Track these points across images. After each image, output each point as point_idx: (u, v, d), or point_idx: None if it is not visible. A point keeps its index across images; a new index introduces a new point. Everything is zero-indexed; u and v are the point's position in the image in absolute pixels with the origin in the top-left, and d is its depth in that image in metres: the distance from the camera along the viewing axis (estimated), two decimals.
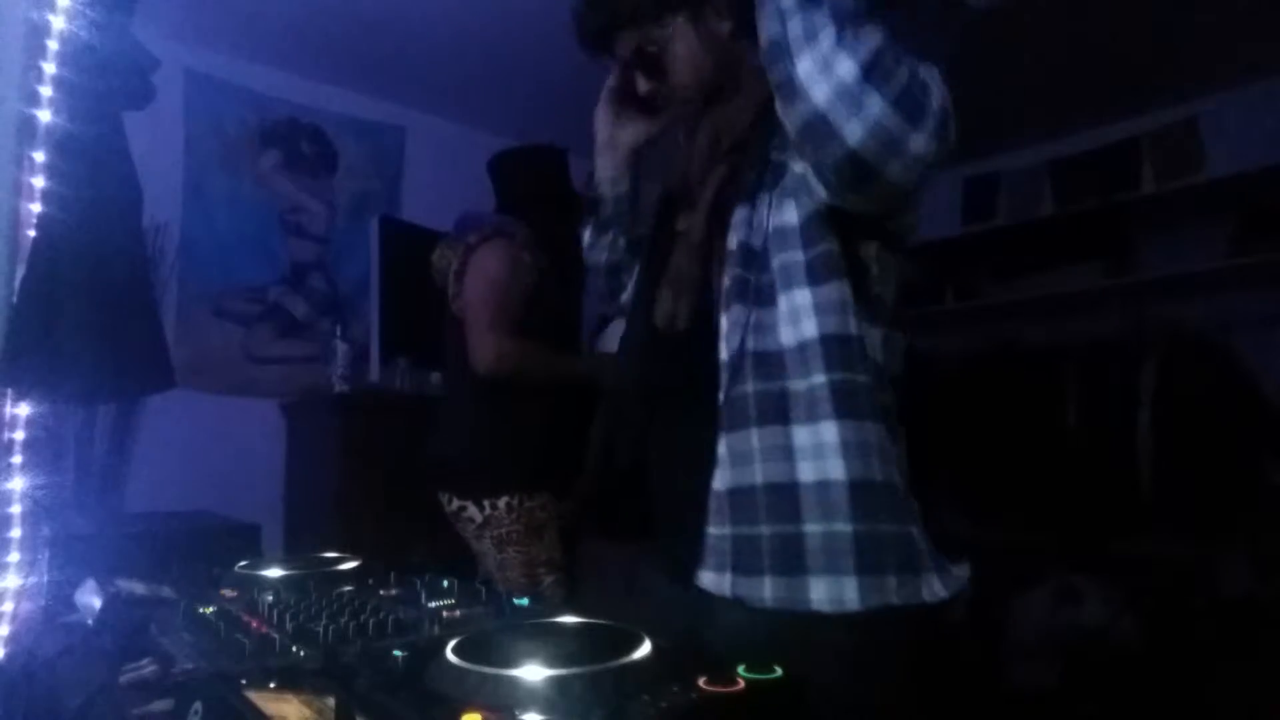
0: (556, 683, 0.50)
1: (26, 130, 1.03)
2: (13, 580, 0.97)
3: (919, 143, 0.75)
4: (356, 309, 3.13)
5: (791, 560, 0.81)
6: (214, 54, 2.90)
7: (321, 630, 0.65)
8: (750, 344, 0.86)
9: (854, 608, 0.78)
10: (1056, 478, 2.94)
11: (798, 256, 0.86)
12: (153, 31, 1.49)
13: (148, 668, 0.69)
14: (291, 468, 2.91)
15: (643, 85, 1.03)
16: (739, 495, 0.85)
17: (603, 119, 1.13)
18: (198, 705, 0.56)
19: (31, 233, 1.04)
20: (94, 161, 1.09)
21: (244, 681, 0.54)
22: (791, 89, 0.77)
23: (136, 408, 2.54)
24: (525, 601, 0.81)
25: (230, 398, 2.87)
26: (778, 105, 0.81)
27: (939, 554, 0.85)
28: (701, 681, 0.51)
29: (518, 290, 1.82)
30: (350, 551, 1.03)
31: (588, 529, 1.27)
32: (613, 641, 0.57)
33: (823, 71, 0.74)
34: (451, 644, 0.57)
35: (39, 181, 1.03)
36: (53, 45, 1.04)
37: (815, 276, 0.85)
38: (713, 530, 0.87)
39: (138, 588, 0.88)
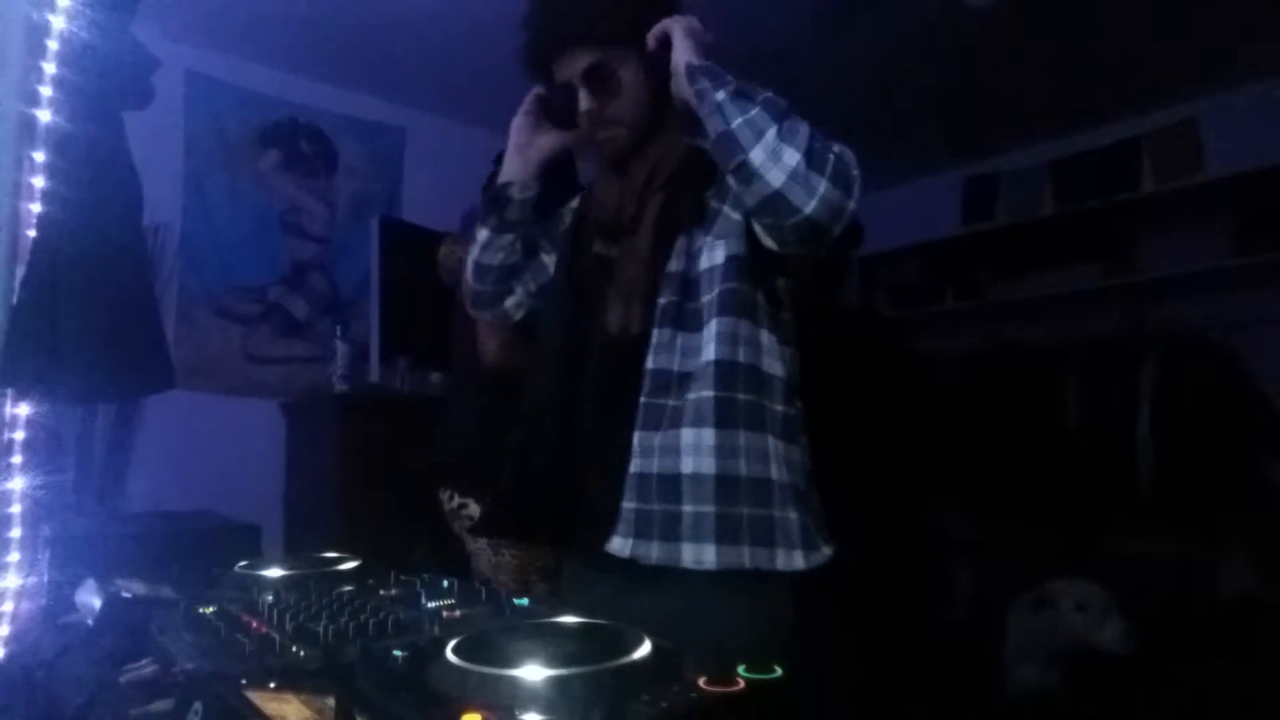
0: (556, 683, 0.50)
1: (26, 130, 1.03)
2: (13, 580, 0.97)
3: (850, 207, 0.97)
4: (356, 309, 3.13)
5: (671, 530, 1.01)
6: (214, 54, 2.90)
7: (321, 630, 0.65)
8: (676, 364, 1.04)
9: (710, 566, 0.99)
10: (1056, 478, 2.94)
11: (717, 290, 1.04)
12: (153, 31, 1.49)
13: (148, 668, 0.69)
14: (291, 468, 2.91)
15: (585, 103, 1.11)
16: (642, 480, 1.04)
17: (520, 126, 1.20)
18: (198, 705, 0.56)
19: (31, 233, 1.04)
20: (94, 161, 1.09)
21: (244, 681, 0.54)
22: (748, 173, 0.95)
23: (136, 408, 2.54)
24: (525, 601, 0.81)
25: (230, 398, 2.87)
26: (734, 183, 1.00)
27: (813, 534, 1.04)
28: (701, 681, 0.51)
29: None
30: (350, 551, 1.03)
31: (502, 531, 1.29)
32: (613, 641, 0.57)
33: (774, 161, 0.94)
34: (451, 644, 0.57)
35: (39, 181, 1.03)
36: (53, 45, 1.04)
37: (725, 308, 1.04)
38: (625, 505, 1.04)
39: (138, 588, 0.88)
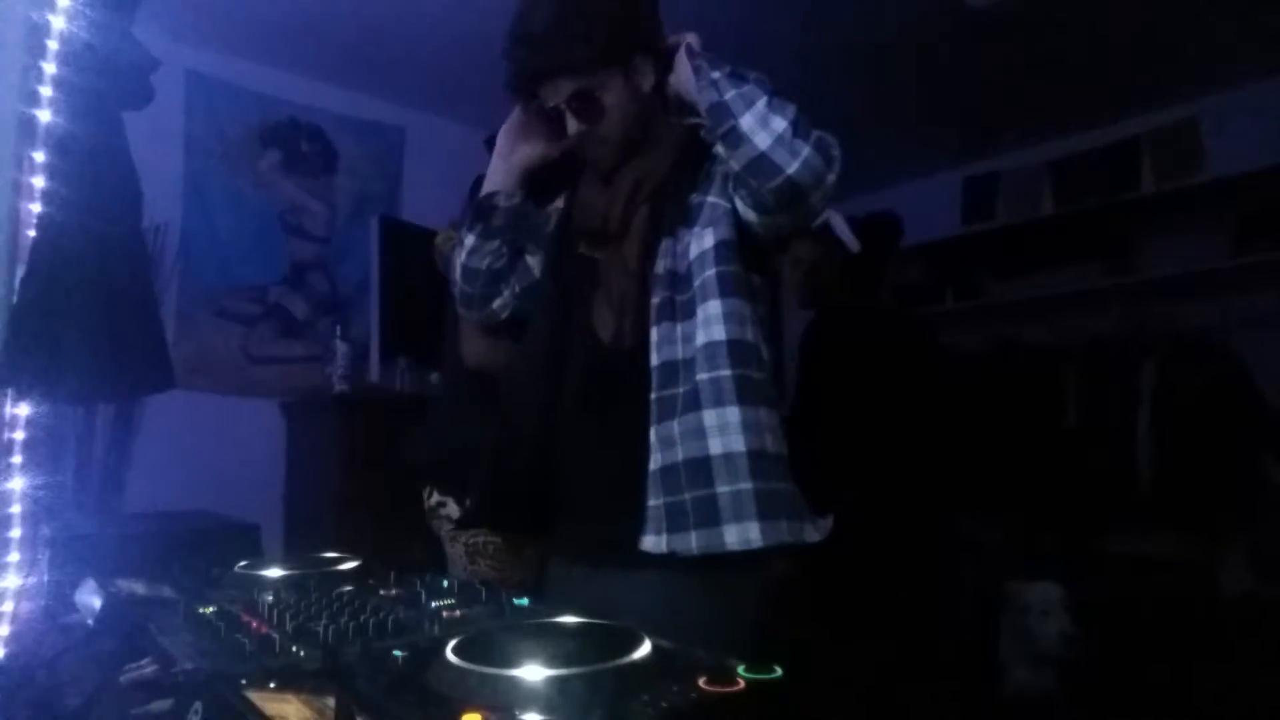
0: (556, 683, 0.50)
1: (26, 130, 1.03)
2: (13, 580, 0.97)
3: (830, 179, 1.03)
4: (356, 309, 3.13)
5: (709, 515, 1.01)
6: (214, 54, 2.90)
7: (321, 630, 0.65)
8: (679, 353, 1.06)
9: (758, 545, 1.00)
10: (1056, 478, 2.94)
11: (711, 272, 1.07)
12: (153, 31, 1.49)
13: (148, 668, 0.69)
14: (291, 468, 2.91)
15: (573, 126, 1.14)
16: (668, 473, 1.04)
17: (505, 135, 1.25)
18: (198, 705, 0.56)
19: (31, 233, 1.04)
20: (94, 161, 1.09)
21: (244, 681, 0.54)
22: (737, 137, 1.02)
23: (136, 408, 2.54)
24: (525, 601, 0.81)
25: (230, 398, 2.87)
26: (722, 150, 1.05)
27: (812, 510, 1.07)
28: (701, 681, 0.51)
29: None
30: (350, 551, 1.03)
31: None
32: (613, 641, 0.57)
33: (762, 126, 1.01)
34: (451, 644, 0.57)
35: (39, 181, 1.03)
36: (53, 45, 1.04)
37: (725, 289, 1.07)
38: (651, 503, 1.04)
39: (138, 588, 0.88)
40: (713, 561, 1.01)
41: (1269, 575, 2.45)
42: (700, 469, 1.03)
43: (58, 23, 1.04)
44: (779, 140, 1.00)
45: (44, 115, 1.03)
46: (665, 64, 1.15)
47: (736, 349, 1.05)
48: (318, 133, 3.16)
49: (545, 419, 1.14)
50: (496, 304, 1.30)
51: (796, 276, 2.25)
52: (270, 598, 0.80)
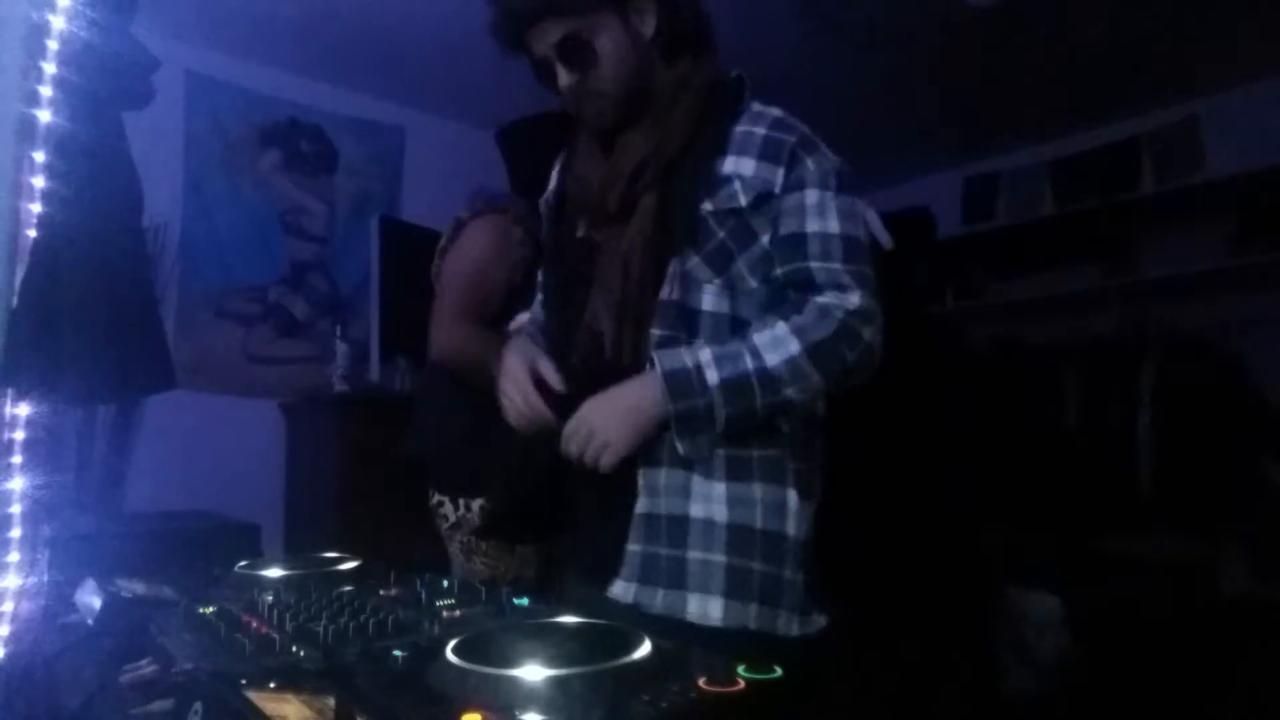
0: (556, 683, 0.50)
1: (26, 130, 1.03)
2: (13, 580, 0.97)
3: (861, 371, 1.01)
4: (356, 309, 3.13)
5: (677, 578, 0.96)
6: (214, 54, 2.90)
7: (321, 630, 0.65)
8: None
9: (716, 623, 0.94)
10: (1056, 478, 2.94)
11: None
12: (153, 31, 1.49)
13: (148, 668, 0.69)
14: (291, 468, 2.91)
15: (564, 78, 1.03)
16: (650, 520, 0.99)
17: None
18: (198, 705, 0.56)
19: (31, 233, 1.04)
20: (94, 161, 1.09)
21: (244, 681, 0.54)
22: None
23: (136, 408, 2.54)
24: (525, 601, 0.81)
25: (230, 398, 2.87)
26: None
27: (810, 600, 1.00)
28: (701, 681, 0.51)
29: (502, 270, 1.67)
30: (350, 551, 1.03)
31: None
32: (613, 641, 0.57)
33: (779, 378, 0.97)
34: (451, 644, 0.57)
35: (39, 181, 1.03)
36: (53, 45, 1.04)
37: None
38: (630, 547, 0.99)
39: (138, 588, 0.88)
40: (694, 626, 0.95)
41: (1269, 575, 2.45)
42: (679, 527, 0.97)
43: (58, 23, 1.04)
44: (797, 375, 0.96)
45: (44, 115, 1.03)
46: (668, 5, 1.03)
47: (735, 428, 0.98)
48: (318, 133, 3.16)
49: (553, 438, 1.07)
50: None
51: None
52: (270, 598, 0.80)
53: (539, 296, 1.24)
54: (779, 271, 1.00)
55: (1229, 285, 2.97)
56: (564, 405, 1.04)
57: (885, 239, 2.04)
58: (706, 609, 0.94)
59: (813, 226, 0.99)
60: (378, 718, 0.49)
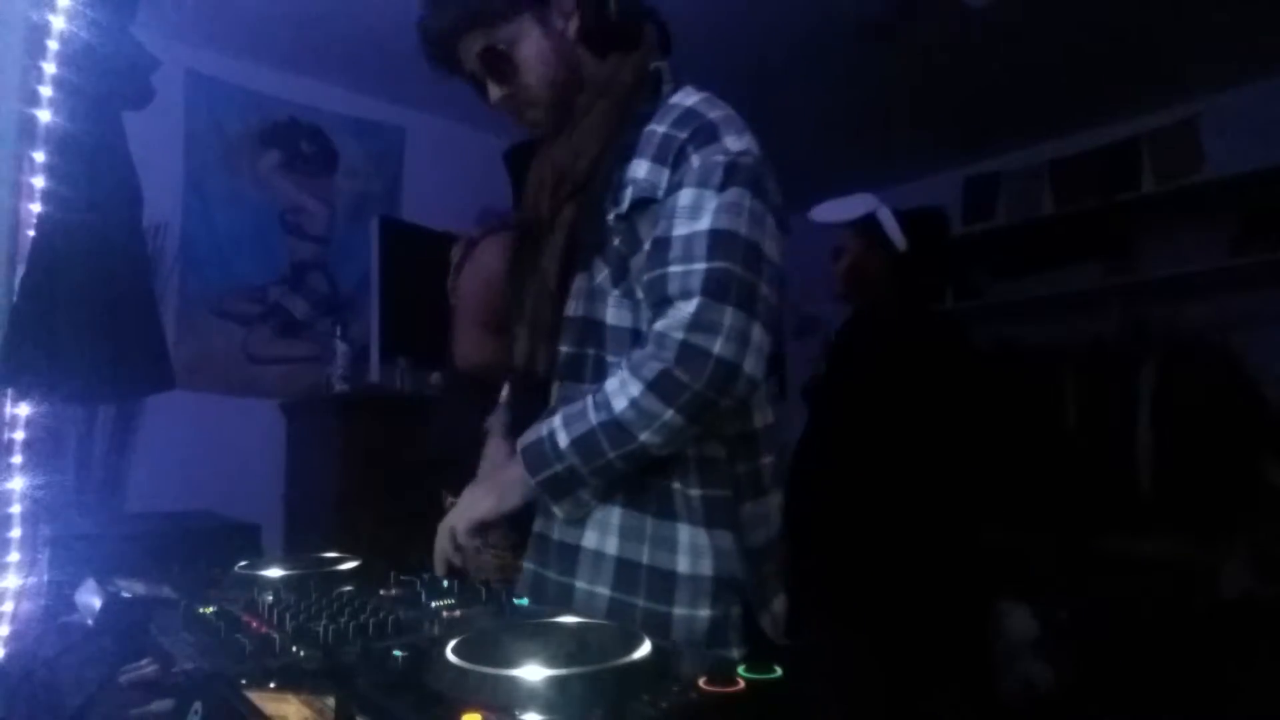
0: (556, 683, 0.50)
1: (26, 130, 1.03)
2: (13, 580, 0.97)
3: (725, 399, 0.89)
4: (356, 309, 3.13)
5: (563, 605, 0.94)
6: (214, 54, 2.90)
7: (321, 630, 0.65)
8: None
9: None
10: (1056, 478, 2.94)
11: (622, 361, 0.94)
12: (153, 31, 1.49)
13: (148, 668, 0.69)
14: (291, 468, 2.91)
15: (495, 92, 1.02)
16: (541, 541, 0.99)
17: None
18: (198, 705, 0.56)
19: (31, 233, 1.04)
20: (94, 161, 1.09)
21: (244, 681, 0.54)
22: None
23: (136, 408, 2.54)
24: (525, 601, 0.81)
25: (230, 398, 2.87)
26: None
27: (724, 636, 0.92)
28: (701, 681, 0.51)
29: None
30: (350, 551, 1.03)
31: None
32: (613, 641, 0.57)
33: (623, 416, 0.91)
34: (451, 644, 0.57)
35: (39, 181, 1.03)
36: (53, 45, 1.04)
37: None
38: (527, 565, 1.00)
39: (138, 588, 0.88)
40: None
41: (1269, 575, 2.45)
42: (570, 554, 0.96)
43: (58, 23, 1.04)
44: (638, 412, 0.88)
45: (44, 115, 1.03)
46: (591, 3, 1.00)
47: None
48: (318, 133, 3.16)
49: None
50: None
51: (838, 269, 2.14)
52: (270, 598, 0.80)
53: None
54: (644, 280, 0.93)
55: (1229, 285, 2.97)
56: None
57: (899, 239, 2.03)
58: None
59: (680, 229, 0.90)
60: (378, 718, 0.49)
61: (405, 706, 0.50)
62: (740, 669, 0.53)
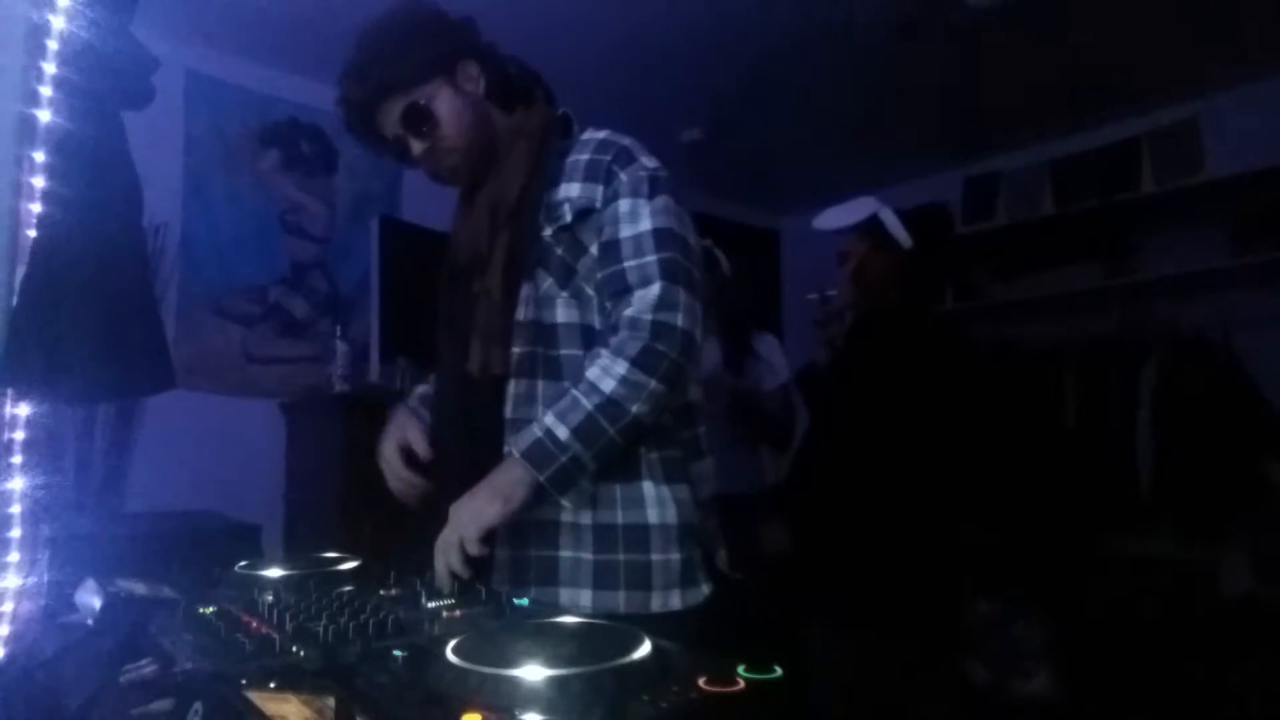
0: (556, 683, 0.50)
1: (26, 130, 1.03)
2: (13, 580, 0.97)
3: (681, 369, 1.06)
4: (356, 309, 3.13)
5: (548, 575, 1.05)
6: (214, 54, 2.90)
7: (321, 630, 0.65)
8: (539, 413, 1.04)
9: (586, 610, 1.02)
10: (1056, 478, 2.94)
11: (578, 353, 1.08)
12: (153, 31, 1.48)
13: (148, 668, 0.69)
14: (291, 468, 2.91)
15: (416, 147, 1.16)
16: (519, 527, 1.06)
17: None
18: (198, 705, 0.56)
19: (31, 233, 1.04)
20: (94, 161, 1.09)
21: (244, 681, 0.54)
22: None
23: (136, 408, 2.54)
24: (525, 601, 0.81)
25: (230, 398, 2.87)
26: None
27: (694, 571, 1.09)
28: (701, 681, 0.51)
29: None
30: (350, 551, 1.03)
31: None
32: (613, 641, 0.57)
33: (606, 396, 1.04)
34: (451, 644, 0.57)
35: (39, 181, 1.03)
36: (53, 45, 1.04)
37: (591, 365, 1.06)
38: (498, 553, 1.06)
39: (138, 588, 0.88)
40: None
41: (1269, 575, 2.45)
42: (549, 531, 1.06)
43: (58, 23, 1.04)
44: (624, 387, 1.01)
45: (44, 115, 1.03)
46: (493, 66, 1.18)
47: None
48: (318, 133, 3.16)
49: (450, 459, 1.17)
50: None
51: (843, 273, 2.12)
52: (270, 598, 0.80)
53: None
54: (599, 277, 1.08)
55: (1229, 285, 2.97)
56: (440, 466, 1.15)
57: (903, 236, 2.03)
58: (577, 600, 1.04)
59: (625, 232, 1.07)
60: (378, 718, 0.49)
61: (405, 706, 0.50)
62: (740, 669, 0.53)
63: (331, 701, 0.51)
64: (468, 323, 1.14)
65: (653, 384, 1.01)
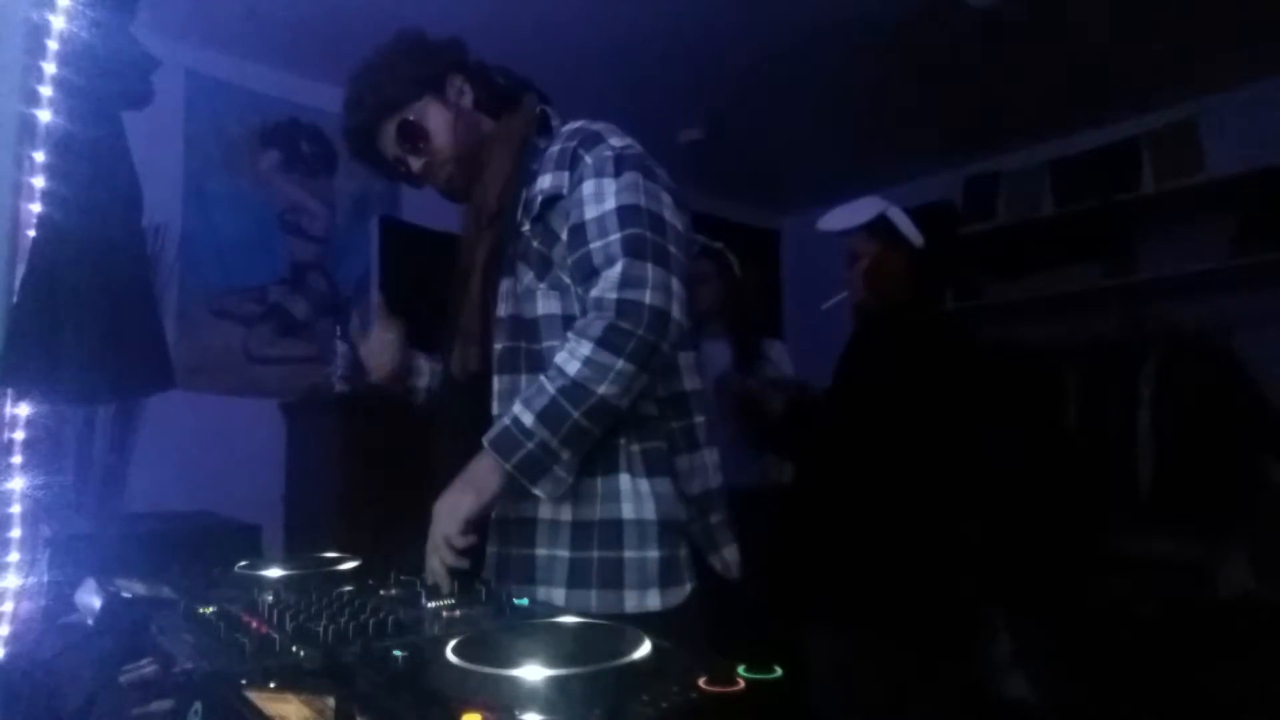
0: (556, 683, 0.50)
1: (26, 130, 1.03)
2: (13, 580, 0.97)
3: (658, 342, 1.01)
4: (356, 309, 3.13)
5: (527, 573, 1.05)
6: (214, 54, 2.90)
7: (321, 630, 0.65)
8: None
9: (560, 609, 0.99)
10: (1056, 478, 2.94)
11: (560, 344, 1.04)
12: (153, 31, 1.49)
13: (148, 668, 0.69)
14: (291, 468, 2.91)
15: (415, 164, 1.21)
16: (501, 524, 1.08)
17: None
18: (198, 705, 0.56)
19: (31, 233, 1.04)
20: (94, 161, 1.09)
21: (244, 681, 0.54)
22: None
23: (136, 408, 2.53)
24: (525, 601, 0.81)
25: (230, 398, 2.87)
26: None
27: (678, 570, 1.04)
28: (701, 681, 0.51)
29: None
30: (350, 551, 1.03)
31: None
32: (613, 641, 0.57)
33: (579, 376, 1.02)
34: (451, 644, 0.57)
35: (39, 181, 1.03)
36: (53, 45, 1.04)
37: None
38: (487, 549, 1.07)
39: (138, 588, 0.88)
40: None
41: (1269, 575, 2.45)
42: (526, 529, 1.06)
43: (58, 23, 1.04)
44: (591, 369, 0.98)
45: (44, 115, 1.03)
46: (479, 79, 1.24)
47: None
48: (318, 133, 3.16)
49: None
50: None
51: (853, 273, 2.07)
52: (270, 598, 0.80)
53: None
54: (569, 263, 1.07)
55: (1229, 285, 2.97)
56: (440, 468, 1.12)
57: (915, 235, 2.02)
58: (551, 599, 1.03)
59: (590, 213, 1.05)
60: (378, 718, 0.49)
61: (405, 706, 0.50)
62: (740, 669, 0.53)
63: (331, 701, 0.51)
64: (462, 321, 1.16)
65: (619, 363, 0.97)
